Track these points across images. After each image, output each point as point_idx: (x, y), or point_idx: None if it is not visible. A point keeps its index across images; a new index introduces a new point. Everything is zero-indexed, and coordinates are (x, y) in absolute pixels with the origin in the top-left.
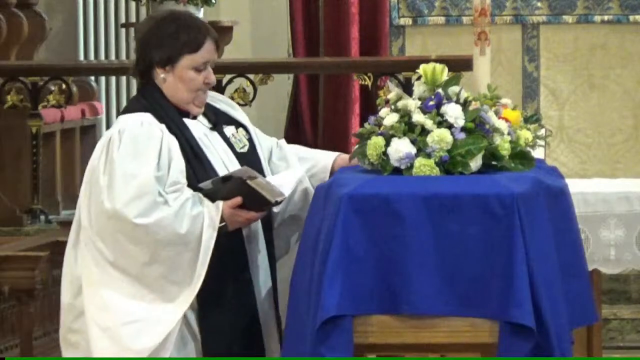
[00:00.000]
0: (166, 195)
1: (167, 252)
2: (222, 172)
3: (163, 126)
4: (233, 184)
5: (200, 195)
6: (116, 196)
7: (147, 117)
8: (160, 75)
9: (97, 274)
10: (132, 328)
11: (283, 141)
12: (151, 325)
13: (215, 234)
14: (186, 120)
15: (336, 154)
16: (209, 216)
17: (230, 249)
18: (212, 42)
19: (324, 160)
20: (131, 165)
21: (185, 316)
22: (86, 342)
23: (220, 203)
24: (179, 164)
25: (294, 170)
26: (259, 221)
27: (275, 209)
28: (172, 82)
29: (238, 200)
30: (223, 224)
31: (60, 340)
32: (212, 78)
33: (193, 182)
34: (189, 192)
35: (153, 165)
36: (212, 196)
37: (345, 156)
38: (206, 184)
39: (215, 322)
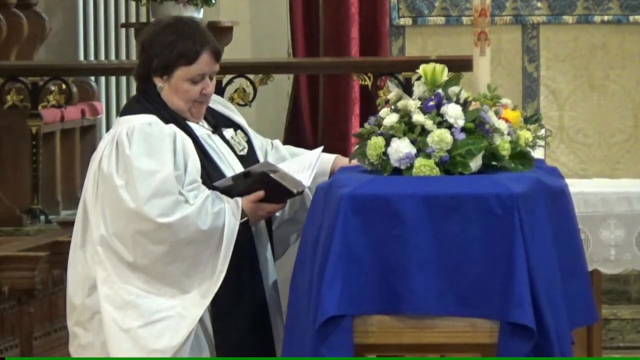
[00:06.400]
0: (186, 194)
1: (189, 250)
2: (229, 174)
3: (173, 125)
4: (255, 178)
5: (218, 192)
6: (137, 194)
7: (152, 119)
8: (157, 83)
9: (116, 275)
10: (155, 328)
11: (278, 142)
12: (173, 324)
13: (237, 230)
14: (188, 123)
15: (334, 155)
16: (230, 212)
17: (242, 244)
18: (210, 53)
19: (322, 162)
20: (149, 163)
21: (201, 318)
22: (101, 342)
23: (239, 199)
24: (195, 163)
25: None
26: None
27: (277, 212)
28: (168, 91)
29: (260, 194)
30: (245, 218)
31: (70, 339)
32: (210, 90)
33: (206, 182)
34: (206, 190)
35: (170, 164)
36: (227, 193)
37: (343, 157)
38: (224, 181)
39: (228, 314)
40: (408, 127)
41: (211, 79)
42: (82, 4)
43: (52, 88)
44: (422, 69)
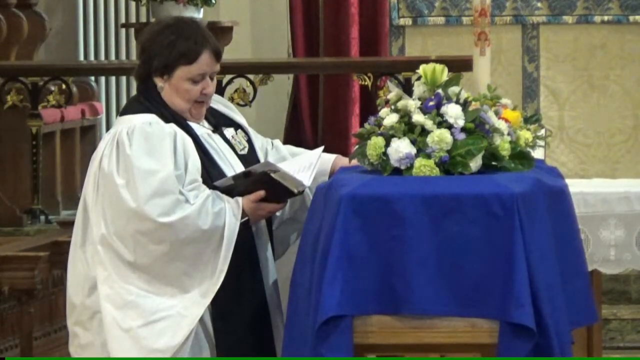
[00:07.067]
0: (186, 194)
1: (189, 249)
2: (229, 173)
3: (173, 125)
4: (255, 178)
5: (218, 192)
6: (137, 194)
7: (153, 118)
8: (158, 83)
9: (116, 275)
10: (155, 327)
11: (278, 142)
12: (174, 324)
13: (237, 229)
14: (189, 122)
15: (334, 155)
16: (230, 212)
17: (242, 244)
18: (211, 53)
19: (322, 162)
20: (149, 163)
21: (201, 317)
22: (101, 342)
23: (240, 198)
24: (196, 163)
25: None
26: None
27: (277, 212)
28: (168, 91)
29: (261, 193)
30: (245, 218)
31: (70, 338)
32: (210, 90)
33: (207, 181)
34: (207, 189)
35: (171, 164)
36: (227, 193)
37: (343, 157)
38: (225, 181)
39: (228, 314)
40: (408, 127)
41: (212, 79)
42: (82, 4)
43: (52, 88)
44: (422, 69)
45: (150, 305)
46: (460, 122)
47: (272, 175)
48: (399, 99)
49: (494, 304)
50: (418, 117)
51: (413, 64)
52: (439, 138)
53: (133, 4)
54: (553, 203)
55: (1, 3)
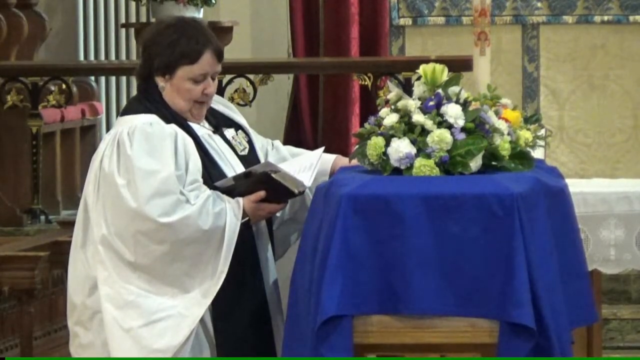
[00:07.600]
0: (187, 194)
1: (190, 249)
2: (230, 173)
3: (174, 125)
4: (256, 178)
5: (219, 192)
6: (138, 194)
7: (154, 118)
8: (159, 83)
9: (117, 275)
10: (155, 328)
11: (278, 142)
12: (174, 324)
13: (238, 230)
14: (189, 123)
15: (334, 155)
16: (231, 212)
17: (242, 244)
18: (212, 53)
19: (322, 162)
20: (150, 163)
21: (202, 317)
22: (102, 342)
23: (240, 199)
24: (197, 163)
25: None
26: None
27: (277, 213)
28: (170, 91)
29: (261, 194)
30: (246, 218)
31: (71, 338)
32: (211, 90)
33: (207, 182)
34: (208, 190)
35: (172, 164)
36: (228, 194)
37: (344, 158)
38: (225, 181)
39: (229, 314)
40: (408, 127)
41: (213, 79)
42: (82, 4)
43: (52, 88)
44: (422, 69)
45: (150, 305)
46: (460, 122)
47: (273, 175)
48: (399, 99)
49: (494, 303)
50: (418, 117)
51: (413, 64)
52: (439, 138)
53: (133, 4)
54: (553, 203)
55: (1, 3)
